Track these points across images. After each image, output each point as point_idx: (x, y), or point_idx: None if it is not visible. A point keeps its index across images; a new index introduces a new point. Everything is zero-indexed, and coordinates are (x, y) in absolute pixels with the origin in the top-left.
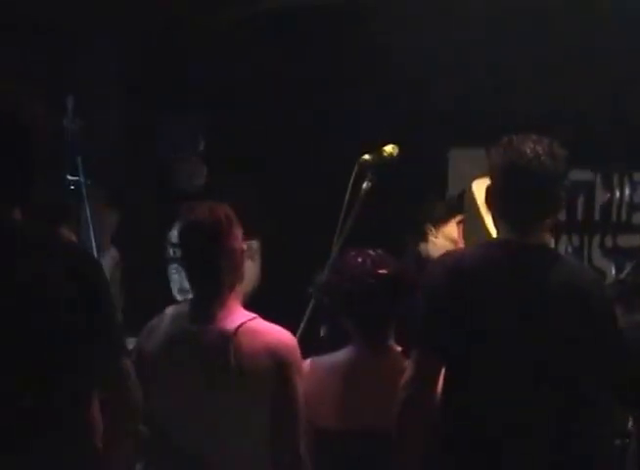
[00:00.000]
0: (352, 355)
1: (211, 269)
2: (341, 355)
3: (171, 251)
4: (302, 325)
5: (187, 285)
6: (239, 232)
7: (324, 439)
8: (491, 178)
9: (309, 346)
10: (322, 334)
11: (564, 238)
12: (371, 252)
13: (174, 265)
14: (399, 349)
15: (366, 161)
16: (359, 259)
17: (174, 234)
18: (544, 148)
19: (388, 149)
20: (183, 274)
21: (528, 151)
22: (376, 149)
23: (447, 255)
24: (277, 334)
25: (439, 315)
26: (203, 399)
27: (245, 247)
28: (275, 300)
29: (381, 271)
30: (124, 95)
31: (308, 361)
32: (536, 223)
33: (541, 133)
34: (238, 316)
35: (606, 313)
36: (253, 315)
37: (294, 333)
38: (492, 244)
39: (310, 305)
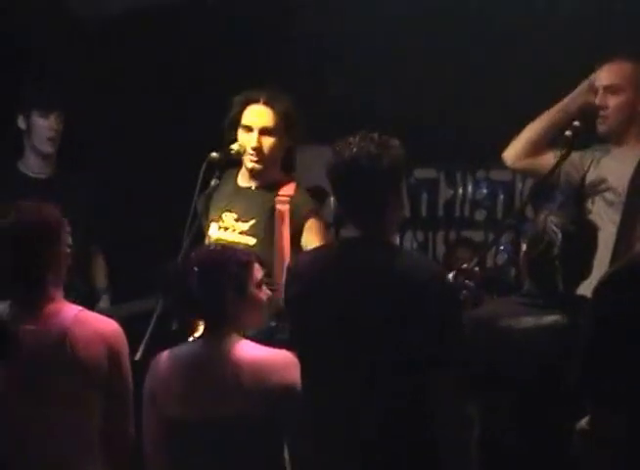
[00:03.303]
0: (197, 346)
1: (38, 272)
2: (188, 346)
3: None
4: (153, 320)
5: None
6: (66, 235)
7: (172, 427)
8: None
9: (162, 340)
10: (174, 327)
11: (408, 234)
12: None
13: None
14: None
15: (214, 158)
16: (204, 252)
17: None
18: (365, 148)
19: (236, 147)
20: None
21: (347, 154)
22: (223, 147)
23: (295, 257)
24: (107, 323)
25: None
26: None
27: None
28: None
29: (211, 261)
30: None
31: (165, 352)
32: (372, 220)
33: (383, 131)
34: (67, 310)
35: (445, 306)
36: (80, 308)
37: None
38: (335, 242)
39: (159, 302)
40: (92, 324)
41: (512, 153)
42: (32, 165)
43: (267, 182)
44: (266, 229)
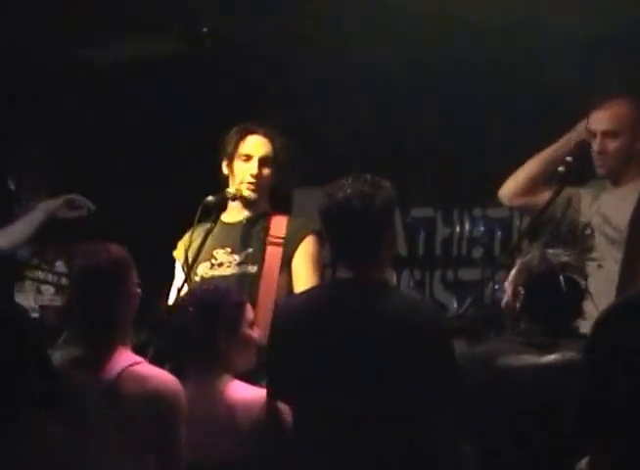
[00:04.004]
0: (188, 387)
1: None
2: None
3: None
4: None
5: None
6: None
7: None
8: (320, 222)
9: None
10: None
11: (406, 273)
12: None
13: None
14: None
15: (210, 202)
16: (198, 292)
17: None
18: (358, 189)
19: (232, 190)
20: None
21: (340, 195)
22: (219, 191)
23: (286, 299)
24: (160, 381)
25: (276, 359)
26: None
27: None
28: None
29: (206, 301)
30: None
31: None
32: (366, 260)
33: (381, 172)
34: (122, 361)
35: (440, 347)
36: (139, 359)
37: None
38: (325, 284)
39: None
40: (142, 381)
41: (508, 190)
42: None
43: (258, 213)
44: (262, 258)
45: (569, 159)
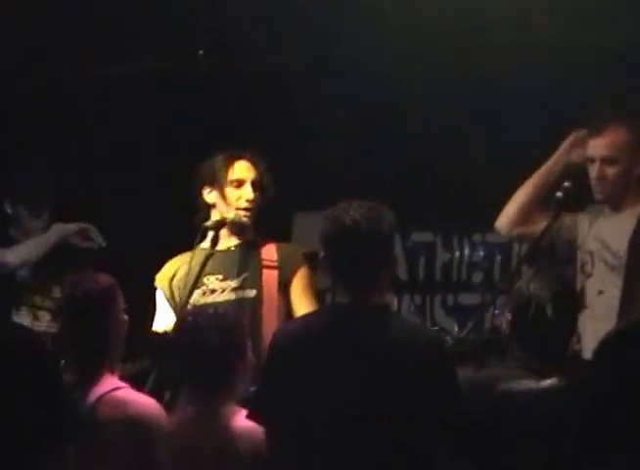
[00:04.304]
0: (182, 416)
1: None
2: (175, 416)
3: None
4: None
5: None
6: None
7: None
8: (321, 248)
9: None
10: (167, 397)
11: (406, 298)
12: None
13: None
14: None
15: (209, 227)
16: (196, 318)
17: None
18: (364, 214)
19: (231, 215)
20: None
21: (347, 219)
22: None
23: (283, 324)
24: (140, 406)
25: (273, 384)
26: None
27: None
28: None
29: (214, 330)
30: None
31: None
32: (368, 285)
33: (381, 195)
34: (105, 386)
35: (442, 372)
36: (122, 385)
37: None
38: (325, 308)
39: (153, 374)
40: (122, 405)
41: (504, 222)
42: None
43: (247, 239)
44: (259, 282)
45: (566, 184)
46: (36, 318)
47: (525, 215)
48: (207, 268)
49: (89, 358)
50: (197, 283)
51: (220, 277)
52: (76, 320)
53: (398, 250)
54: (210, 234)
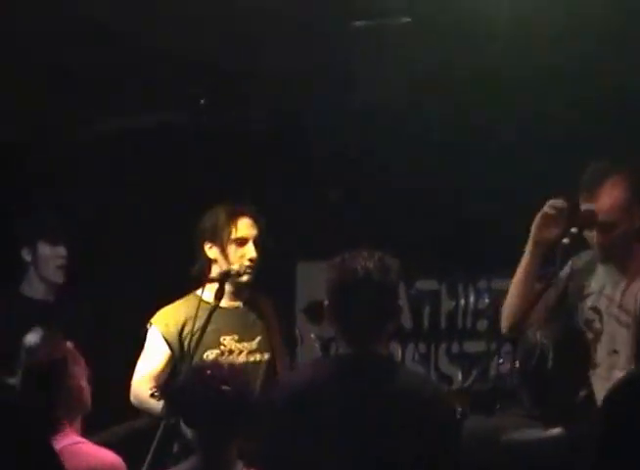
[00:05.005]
0: (202, 465)
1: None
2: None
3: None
4: (156, 441)
5: None
6: (78, 369)
7: None
8: (327, 297)
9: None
10: (175, 450)
11: (410, 346)
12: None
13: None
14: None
15: (213, 279)
16: (207, 372)
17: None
18: (375, 263)
19: (236, 267)
20: None
21: (359, 268)
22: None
23: (286, 377)
24: (103, 457)
25: (278, 437)
26: None
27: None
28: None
29: (224, 387)
30: None
31: None
32: (374, 335)
33: (384, 246)
34: (64, 440)
35: (445, 424)
36: (80, 440)
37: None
38: (329, 359)
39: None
40: (85, 459)
41: (508, 328)
42: (37, 292)
43: (248, 298)
44: (270, 343)
45: (573, 230)
46: None
47: (524, 315)
48: (223, 328)
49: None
50: (199, 342)
51: (236, 338)
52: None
53: (402, 298)
54: (213, 286)
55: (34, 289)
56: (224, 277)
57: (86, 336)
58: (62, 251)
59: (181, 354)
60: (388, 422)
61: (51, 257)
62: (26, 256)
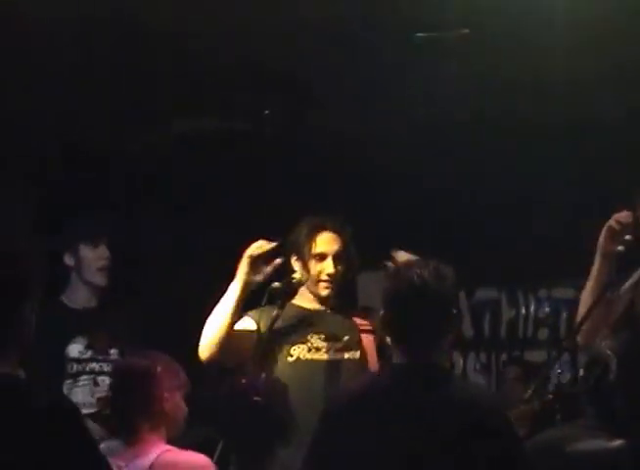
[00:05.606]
0: None
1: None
2: None
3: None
4: (218, 452)
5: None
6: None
7: None
8: (383, 307)
9: None
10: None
11: (471, 355)
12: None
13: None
14: None
15: (276, 288)
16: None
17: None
18: (430, 272)
19: (297, 276)
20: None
21: (415, 277)
22: (284, 276)
23: (342, 389)
24: (192, 460)
25: (332, 448)
26: None
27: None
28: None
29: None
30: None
31: None
32: (431, 345)
33: (443, 254)
34: (156, 449)
35: (504, 436)
36: (170, 448)
37: None
38: (386, 370)
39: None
40: (177, 464)
41: (585, 341)
42: (79, 298)
43: (334, 306)
44: (361, 344)
45: (628, 237)
46: (96, 384)
47: (596, 327)
48: (312, 326)
49: (134, 427)
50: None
51: (323, 337)
52: (119, 393)
53: (463, 307)
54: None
55: (77, 295)
56: (288, 286)
57: (132, 343)
58: (104, 252)
59: (270, 346)
60: (445, 434)
61: (93, 259)
62: (68, 260)
